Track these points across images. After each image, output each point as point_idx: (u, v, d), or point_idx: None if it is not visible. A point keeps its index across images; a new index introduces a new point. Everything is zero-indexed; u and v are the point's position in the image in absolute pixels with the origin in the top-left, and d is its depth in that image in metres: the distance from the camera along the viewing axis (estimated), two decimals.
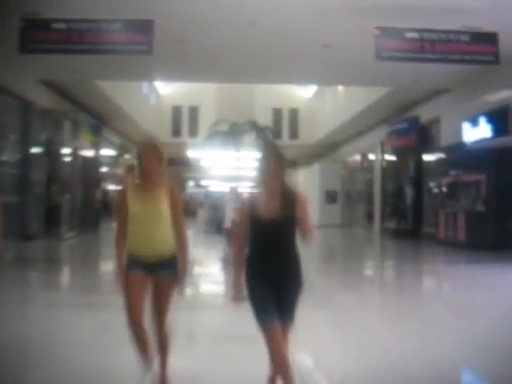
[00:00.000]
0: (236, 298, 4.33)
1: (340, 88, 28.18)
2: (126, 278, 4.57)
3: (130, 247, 4.62)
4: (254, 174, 4.50)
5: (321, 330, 7.15)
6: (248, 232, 4.35)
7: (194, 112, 37.19)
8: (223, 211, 14.75)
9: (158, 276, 4.56)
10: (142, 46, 11.33)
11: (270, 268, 4.28)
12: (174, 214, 4.57)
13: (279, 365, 4.23)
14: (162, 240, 4.59)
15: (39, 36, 11.24)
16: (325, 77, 18.51)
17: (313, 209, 33.78)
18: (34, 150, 18.63)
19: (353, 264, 15.49)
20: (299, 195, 4.35)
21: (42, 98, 18.79)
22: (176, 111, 37.22)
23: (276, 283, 4.28)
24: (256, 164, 4.44)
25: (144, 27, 11.21)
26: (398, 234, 22.31)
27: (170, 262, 4.59)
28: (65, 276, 13.09)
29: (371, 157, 27.76)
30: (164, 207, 4.55)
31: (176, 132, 36.81)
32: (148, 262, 4.56)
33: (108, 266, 13.85)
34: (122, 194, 4.68)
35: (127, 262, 4.62)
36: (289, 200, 4.27)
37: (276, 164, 4.28)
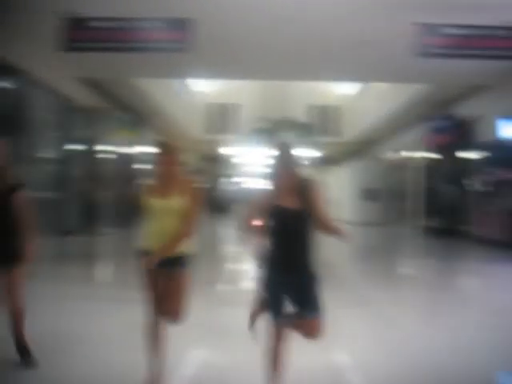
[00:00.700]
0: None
1: (381, 84, 27.94)
2: (144, 276, 4.74)
3: (146, 243, 4.74)
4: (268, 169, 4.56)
5: (357, 328, 7.09)
6: (268, 224, 4.43)
7: (230, 109, 37.20)
8: None
9: (172, 272, 4.65)
10: (180, 44, 11.37)
11: (292, 259, 4.33)
12: (188, 209, 4.62)
13: (268, 364, 4.39)
14: (171, 238, 4.65)
15: (80, 35, 11.36)
16: (363, 74, 18.34)
17: (353, 207, 33.68)
18: (73, 146, 18.84)
19: (391, 262, 15.35)
20: (315, 183, 4.41)
21: (81, 96, 18.98)
22: (214, 109, 37.27)
23: (291, 275, 4.32)
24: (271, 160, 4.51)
25: (182, 25, 11.25)
26: (438, 232, 22.04)
27: (182, 260, 4.67)
28: (102, 271, 13.21)
29: (412, 154, 27.46)
30: (178, 206, 4.61)
31: (212, 129, 36.86)
32: (166, 258, 4.63)
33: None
34: (141, 191, 4.85)
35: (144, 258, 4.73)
36: (304, 191, 4.34)
37: (288, 158, 4.38)
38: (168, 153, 4.65)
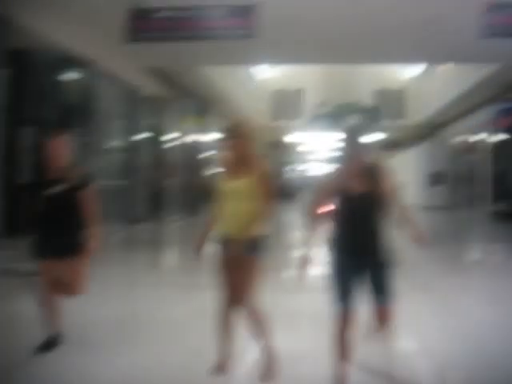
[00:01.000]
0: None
1: (446, 66, 27.32)
2: (218, 261, 4.75)
3: (220, 228, 4.70)
4: (336, 153, 4.54)
5: (425, 314, 6.98)
6: (335, 209, 4.39)
7: (297, 95, 37.03)
8: None
9: (242, 256, 4.55)
10: (246, 30, 11.36)
11: (359, 243, 4.28)
12: (261, 193, 4.54)
13: (334, 352, 4.36)
14: (247, 220, 4.56)
15: (145, 25, 11.48)
16: (430, 55, 17.92)
17: (419, 191, 33.19)
18: (140, 135, 19.09)
19: (458, 247, 15.05)
20: (385, 169, 4.36)
21: (148, 85, 19.19)
22: (279, 94, 37.17)
23: (364, 260, 4.28)
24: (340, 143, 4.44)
25: (246, 12, 11.23)
26: (508, 217, 21.48)
27: (253, 244, 4.55)
28: (169, 257, 13.38)
29: (480, 137, 26.78)
30: (250, 187, 4.55)
31: (278, 115, 36.77)
32: (236, 242, 4.57)
33: (210, 248, 14.07)
34: (217, 175, 4.81)
35: (218, 244, 4.75)
36: (378, 174, 4.28)
37: (355, 142, 4.31)
38: (237, 136, 4.60)
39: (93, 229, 5.17)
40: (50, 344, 5.18)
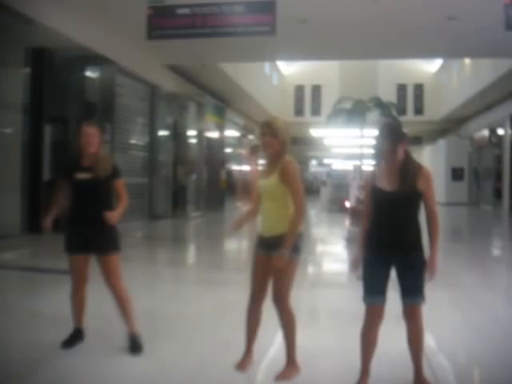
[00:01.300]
0: (358, 277, 4.34)
1: (466, 61, 27.16)
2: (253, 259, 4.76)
3: (260, 227, 4.71)
4: (372, 150, 4.45)
5: (445, 310, 6.97)
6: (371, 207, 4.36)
7: (316, 91, 36.99)
8: (346, 190, 14.60)
9: (270, 255, 4.55)
10: (265, 27, 11.34)
11: (388, 242, 4.24)
12: (289, 190, 4.52)
13: (362, 345, 4.36)
14: (274, 218, 4.57)
15: (165, 22, 11.51)
16: (451, 50, 17.83)
17: (439, 186, 33.00)
18: (162, 132, 19.22)
19: (479, 243, 14.98)
20: (423, 169, 4.26)
21: (168, 82, 19.30)
22: (299, 90, 37.16)
23: (394, 258, 4.25)
24: (374, 140, 4.40)
25: (266, 8, 11.22)
26: None
27: (282, 242, 4.52)
28: (190, 253, 13.46)
29: (500, 132, 26.57)
30: (275, 185, 4.54)
31: (299, 111, 36.78)
32: (266, 241, 4.61)
33: (232, 245, 14.11)
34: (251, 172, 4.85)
35: (255, 241, 4.75)
36: (410, 173, 4.20)
37: (390, 137, 4.25)
38: (268, 131, 4.61)
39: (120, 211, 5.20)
40: (74, 338, 5.21)
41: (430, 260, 4.23)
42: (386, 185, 4.25)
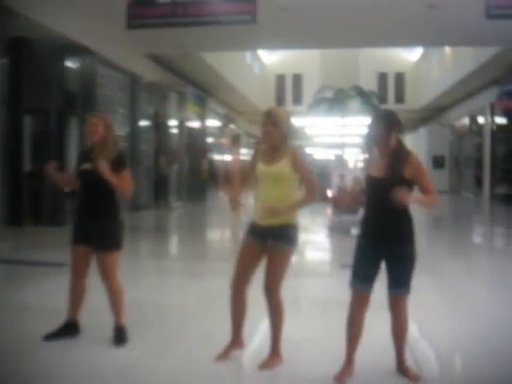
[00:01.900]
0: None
1: (447, 49, 27.25)
2: (241, 244, 4.74)
3: (254, 213, 4.70)
4: (360, 140, 4.46)
5: (427, 297, 6.98)
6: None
7: (297, 80, 37.00)
8: (328, 179, 14.62)
9: (267, 244, 4.55)
10: (246, 16, 11.30)
11: (377, 230, 4.26)
12: (301, 176, 4.56)
13: (347, 332, 4.36)
14: (269, 204, 4.53)
15: (145, 11, 11.43)
16: (431, 38, 17.85)
17: None
18: (142, 122, 19.11)
19: (461, 230, 15.09)
20: (410, 156, 4.26)
21: (149, 72, 19.18)
22: (280, 79, 37.15)
23: (384, 248, 4.25)
24: (364, 129, 4.41)
25: None
26: (509, 200, 21.52)
27: (283, 232, 4.53)
28: (173, 244, 13.45)
29: (480, 120, 26.72)
30: (285, 172, 4.55)
31: (280, 100, 36.77)
32: (261, 229, 4.59)
33: (215, 235, 14.10)
34: (253, 155, 4.81)
35: (247, 228, 4.73)
36: (399, 161, 4.20)
37: (384, 124, 4.25)
38: (269, 121, 4.60)
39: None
40: (62, 332, 5.16)
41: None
42: (374, 171, 4.27)
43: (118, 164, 5.10)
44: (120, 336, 5.10)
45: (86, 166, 5.13)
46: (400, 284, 4.25)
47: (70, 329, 5.21)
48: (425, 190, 4.27)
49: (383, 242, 4.23)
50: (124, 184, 5.13)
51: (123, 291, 5.25)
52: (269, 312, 4.66)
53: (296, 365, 4.63)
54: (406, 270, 4.25)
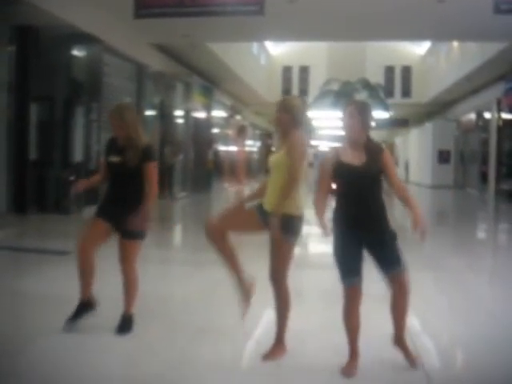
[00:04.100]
0: (326, 233, 4.32)
1: (455, 44, 27.15)
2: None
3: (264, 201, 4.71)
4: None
5: (429, 292, 6.99)
6: (335, 183, 4.39)
7: (304, 72, 36.92)
8: None
9: (262, 221, 4.58)
10: (254, 7, 11.30)
11: (355, 217, 4.27)
12: (289, 162, 4.48)
13: (346, 326, 4.36)
14: (272, 192, 4.57)
15: (153, 1, 11.42)
16: (439, 32, 17.82)
17: (425, 169, 33.12)
18: (148, 112, 19.09)
19: (464, 226, 15.07)
20: (383, 148, 4.37)
21: (155, 62, 19.15)
22: (286, 71, 37.06)
23: (363, 235, 4.27)
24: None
25: None
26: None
27: (284, 223, 4.46)
28: (177, 234, 13.45)
29: (487, 115, 26.64)
30: (282, 159, 4.54)
31: (286, 92, 36.65)
32: (264, 212, 4.59)
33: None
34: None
35: (256, 203, 4.77)
36: (372, 152, 4.29)
37: (355, 115, 4.31)
38: (281, 110, 4.61)
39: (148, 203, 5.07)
40: (80, 312, 5.09)
41: (415, 219, 4.18)
42: (351, 160, 4.28)
43: (144, 156, 5.06)
44: (125, 325, 5.10)
45: (115, 158, 5.12)
46: (395, 262, 4.27)
47: (87, 307, 5.13)
48: (393, 185, 4.30)
49: (364, 229, 4.25)
50: (149, 180, 5.09)
51: (138, 281, 5.25)
52: (275, 302, 4.66)
53: (300, 356, 4.63)
54: (393, 249, 4.28)
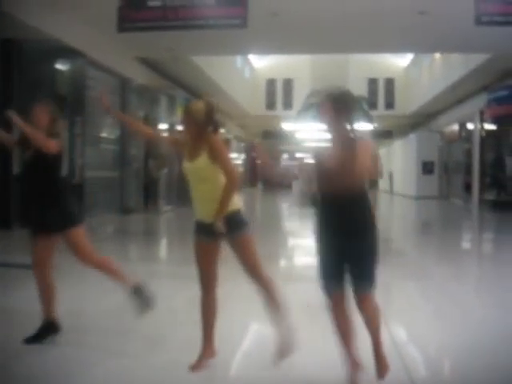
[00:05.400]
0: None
1: (437, 56, 27.38)
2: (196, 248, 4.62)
3: (195, 215, 4.59)
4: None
5: (415, 301, 7.02)
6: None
7: (288, 84, 37.02)
8: None
9: (216, 241, 4.48)
10: (237, 20, 11.34)
11: (333, 222, 4.00)
12: (218, 165, 4.34)
13: (337, 334, 4.15)
14: (212, 201, 4.34)
15: (136, 15, 11.44)
16: (422, 45, 17.98)
17: (409, 180, 33.25)
18: None
19: (449, 236, 15.13)
20: (360, 141, 3.94)
21: (139, 75, 19.16)
22: (270, 84, 37.14)
23: (342, 238, 3.98)
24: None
25: (238, 0, 11.20)
26: (498, 206, 21.64)
27: (231, 222, 4.35)
28: (163, 248, 13.40)
29: (470, 126, 26.85)
30: (204, 165, 4.37)
31: (270, 105, 36.79)
32: (209, 227, 4.38)
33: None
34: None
35: (195, 229, 4.61)
36: (349, 148, 3.87)
37: (332, 110, 3.98)
38: (186, 113, 4.48)
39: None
40: (41, 334, 5.04)
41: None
42: (326, 161, 3.99)
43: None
44: (141, 294, 5.17)
45: (29, 154, 5.20)
46: (365, 283, 4.02)
47: (49, 329, 5.08)
48: (359, 167, 3.89)
49: (341, 233, 3.98)
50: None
51: (111, 260, 5.26)
52: (264, 294, 4.55)
53: (288, 369, 4.56)
54: (369, 266, 4.00)
